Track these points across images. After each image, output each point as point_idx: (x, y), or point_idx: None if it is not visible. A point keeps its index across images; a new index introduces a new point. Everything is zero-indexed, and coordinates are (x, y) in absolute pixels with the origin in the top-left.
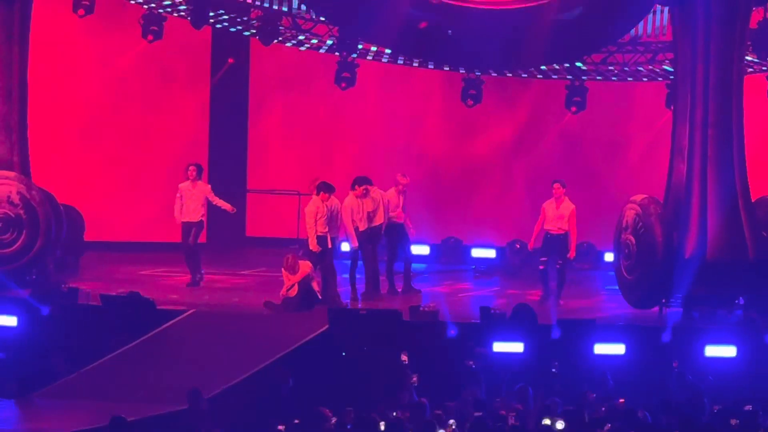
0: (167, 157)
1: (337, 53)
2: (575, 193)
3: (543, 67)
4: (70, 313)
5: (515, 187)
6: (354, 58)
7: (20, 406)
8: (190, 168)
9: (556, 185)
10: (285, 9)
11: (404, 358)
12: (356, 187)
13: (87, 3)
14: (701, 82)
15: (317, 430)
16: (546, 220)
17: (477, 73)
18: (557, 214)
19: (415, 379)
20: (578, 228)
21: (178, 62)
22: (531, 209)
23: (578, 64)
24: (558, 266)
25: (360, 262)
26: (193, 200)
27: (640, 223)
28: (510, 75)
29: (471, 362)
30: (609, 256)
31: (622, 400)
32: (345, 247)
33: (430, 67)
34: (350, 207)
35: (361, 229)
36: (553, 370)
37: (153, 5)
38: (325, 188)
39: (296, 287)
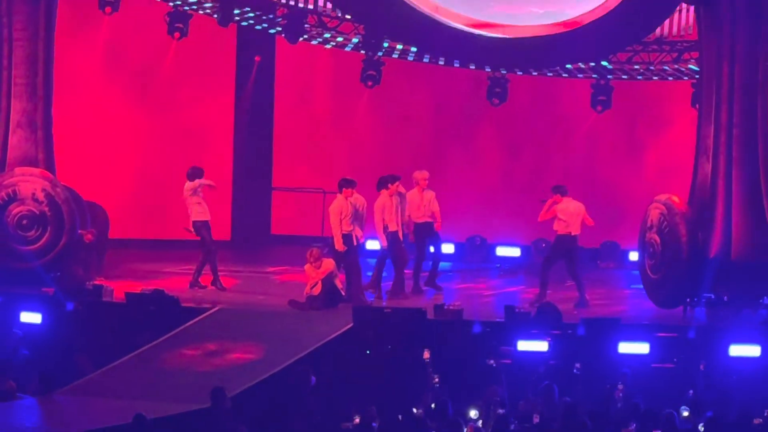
0: (192, 155)
1: (362, 51)
2: (600, 191)
3: (568, 66)
4: (94, 310)
5: (540, 186)
6: (380, 56)
7: (43, 404)
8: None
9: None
10: (311, 7)
11: (426, 355)
12: (389, 185)
13: (112, 0)
14: (726, 82)
15: (341, 427)
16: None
17: (503, 72)
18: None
19: (437, 379)
20: (602, 226)
21: (203, 60)
22: None
23: (604, 63)
24: (568, 268)
25: (388, 261)
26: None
27: (665, 223)
28: (536, 74)
29: (491, 361)
30: (634, 255)
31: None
32: (370, 245)
33: (455, 65)
34: (382, 206)
35: (391, 229)
36: (575, 371)
37: (179, 3)
38: (347, 184)
39: (320, 285)
